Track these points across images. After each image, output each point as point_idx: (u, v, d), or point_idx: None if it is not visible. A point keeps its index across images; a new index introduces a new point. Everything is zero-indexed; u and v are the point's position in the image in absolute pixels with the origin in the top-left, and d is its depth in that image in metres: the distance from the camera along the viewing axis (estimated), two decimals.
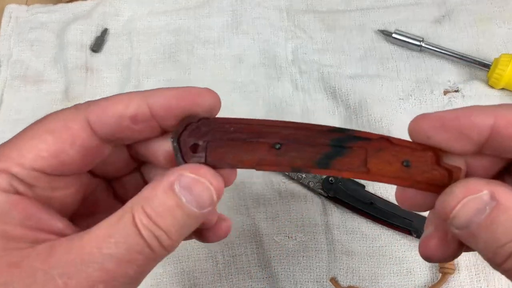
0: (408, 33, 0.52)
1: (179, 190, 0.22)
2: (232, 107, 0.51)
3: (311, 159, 0.23)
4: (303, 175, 0.47)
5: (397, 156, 0.23)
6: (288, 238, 0.45)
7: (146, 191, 0.22)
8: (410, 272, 0.44)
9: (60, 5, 0.59)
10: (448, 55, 0.51)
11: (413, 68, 0.52)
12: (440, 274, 0.43)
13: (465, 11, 0.54)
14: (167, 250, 0.22)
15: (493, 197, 0.20)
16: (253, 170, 0.24)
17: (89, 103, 0.24)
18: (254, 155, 0.24)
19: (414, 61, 0.52)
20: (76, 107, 0.24)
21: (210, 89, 0.25)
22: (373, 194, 0.45)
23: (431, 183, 0.23)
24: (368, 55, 0.53)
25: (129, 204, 0.22)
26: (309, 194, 0.47)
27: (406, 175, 0.23)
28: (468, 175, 0.24)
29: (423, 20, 0.54)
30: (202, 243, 0.45)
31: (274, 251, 0.45)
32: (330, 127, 0.24)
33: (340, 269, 0.44)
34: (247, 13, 0.56)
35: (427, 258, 0.25)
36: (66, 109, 0.24)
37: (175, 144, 0.23)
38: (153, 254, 0.21)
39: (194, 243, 0.46)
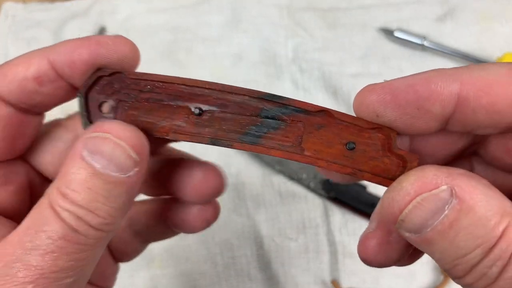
0: (410, 32, 0.52)
1: (89, 155, 0.18)
2: None
3: (236, 131, 0.20)
4: (304, 175, 0.46)
5: (339, 135, 0.19)
6: (289, 239, 0.45)
7: (60, 169, 0.19)
8: (412, 274, 0.43)
9: (57, 3, 0.58)
10: (451, 54, 0.51)
11: (415, 67, 0.51)
12: (443, 276, 0.43)
13: (467, 9, 0.53)
14: (102, 229, 0.19)
15: (454, 194, 0.16)
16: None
17: None
18: (171, 122, 0.20)
19: (416, 60, 0.52)
20: None
21: (121, 36, 0.20)
22: (374, 195, 0.45)
23: (379, 173, 0.19)
24: (370, 53, 0.53)
25: (49, 188, 0.19)
26: (310, 195, 0.46)
27: (348, 161, 0.19)
28: (423, 159, 0.20)
29: (425, 18, 0.53)
30: (201, 244, 0.45)
31: (274, 253, 0.45)
32: (263, 93, 0.20)
33: (341, 270, 0.44)
34: (247, 11, 0.56)
35: (364, 260, 0.20)
36: None
37: (81, 100, 0.20)
38: (84, 238, 0.18)
39: (192, 244, 0.45)
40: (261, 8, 0.56)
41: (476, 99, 0.17)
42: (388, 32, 0.53)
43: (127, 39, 0.20)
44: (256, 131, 0.20)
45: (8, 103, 0.20)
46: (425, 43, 0.51)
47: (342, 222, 0.45)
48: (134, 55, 0.21)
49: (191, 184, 0.23)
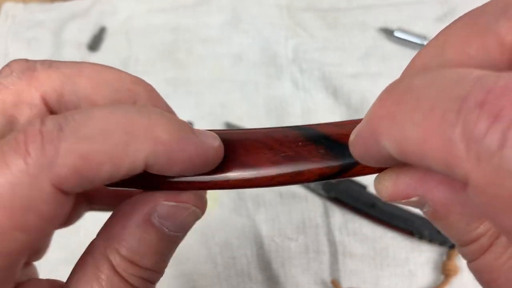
0: (410, 32, 0.52)
1: (159, 221, 0.18)
2: (232, 107, 0.51)
3: None
4: None
5: None
6: (289, 239, 0.45)
7: (115, 230, 0.18)
8: (413, 274, 0.43)
9: (57, 4, 0.58)
10: None
11: None
12: (443, 276, 0.43)
13: (467, 10, 0.53)
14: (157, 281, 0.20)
15: (425, 201, 0.16)
16: None
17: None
18: None
19: None
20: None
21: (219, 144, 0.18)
22: (375, 195, 0.45)
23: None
24: (370, 53, 0.53)
25: (98, 249, 0.18)
26: (310, 195, 0.46)
27: None
28: None
29: (426, 18, 0.53)
30: (201, 244, 0.45)
31: (274, 253, 0.44)
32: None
33: (341, 271, 0.44)
34: (247, 11, 0.56)
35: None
36: None
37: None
38: None
39: (193, 244, 0.45)
40: (261, 9, 0.56)
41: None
42: (388, 32, 0.53)
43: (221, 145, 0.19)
44: None
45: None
46: (425, 43, 0.51)
47: (342, 222, 0.45)
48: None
49: None
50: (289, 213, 0.46)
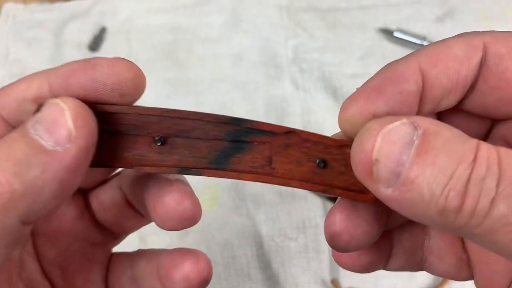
0: (410, 32, 0.52)
1: (31, 124, 0.17)
2: (232, 107, 0.51)
3: (203, 157, 0.19)
4: None
5: (308, 153, 0.19)
6: (289, 239, 0.45)
7: None
8: (412, 274, 0.43)
9: (57, 4, 0.58)
10: None
11: None
12: None
13: (467, 10, 0.53)
14: None
15: (417, 126, 0.16)
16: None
17: (2, 88, 0.20)
18: (132, 152, 0.19)
19: None
20: None
21: (121, 59, 0.19)
22: None
23: (349, 186, 0.19)
24: (369, 54, 0.53)
25: None
26: (310, 194, 0.46)
27: (319, 178, 0.19)
28: None
29: (425, 19, 0.54)
30: (201, 244, 0.45)
31: (274, 253, 0.45)
32: (224, 117, 0.19)
33: (341, 270, 0.44)
34: (247, 11, 0.56)
35: (331, 242, 0.20)
36: None
37: None
38: None
39: (193, 244, 0.45)
40: (261, 9, 0.56)
41: (434, 76, 0.18)
42: (388, 33, 0.53)
43: (128, 62, 0.19)
44: (223, 156, 0.19)
45: (8, 123, 0.20)
46: (425, 44, 0.51)
47: None
48: (135, 81, 0.19)
49: (162, 208, 0.20)
50: (289, 213, 0.46)
